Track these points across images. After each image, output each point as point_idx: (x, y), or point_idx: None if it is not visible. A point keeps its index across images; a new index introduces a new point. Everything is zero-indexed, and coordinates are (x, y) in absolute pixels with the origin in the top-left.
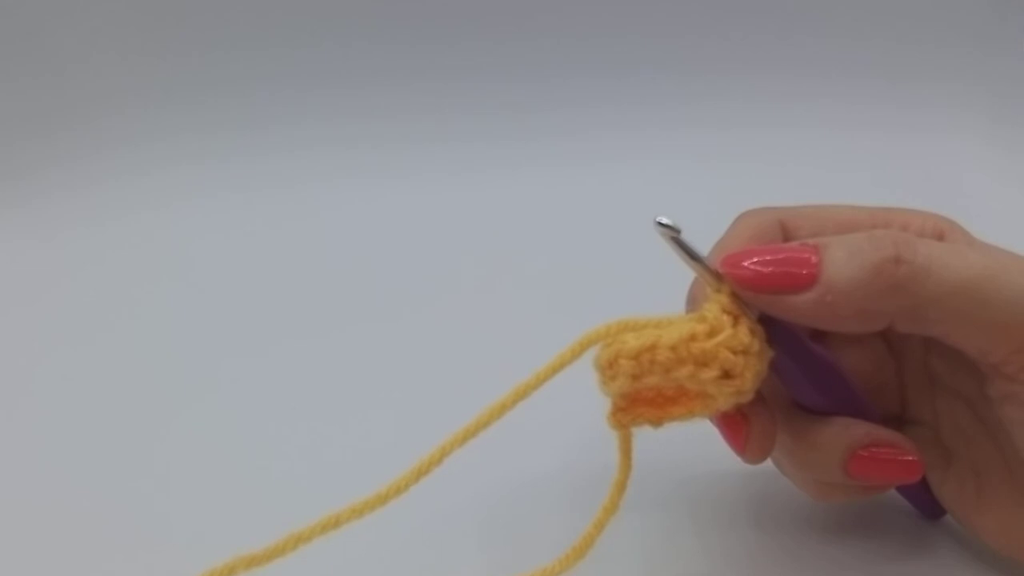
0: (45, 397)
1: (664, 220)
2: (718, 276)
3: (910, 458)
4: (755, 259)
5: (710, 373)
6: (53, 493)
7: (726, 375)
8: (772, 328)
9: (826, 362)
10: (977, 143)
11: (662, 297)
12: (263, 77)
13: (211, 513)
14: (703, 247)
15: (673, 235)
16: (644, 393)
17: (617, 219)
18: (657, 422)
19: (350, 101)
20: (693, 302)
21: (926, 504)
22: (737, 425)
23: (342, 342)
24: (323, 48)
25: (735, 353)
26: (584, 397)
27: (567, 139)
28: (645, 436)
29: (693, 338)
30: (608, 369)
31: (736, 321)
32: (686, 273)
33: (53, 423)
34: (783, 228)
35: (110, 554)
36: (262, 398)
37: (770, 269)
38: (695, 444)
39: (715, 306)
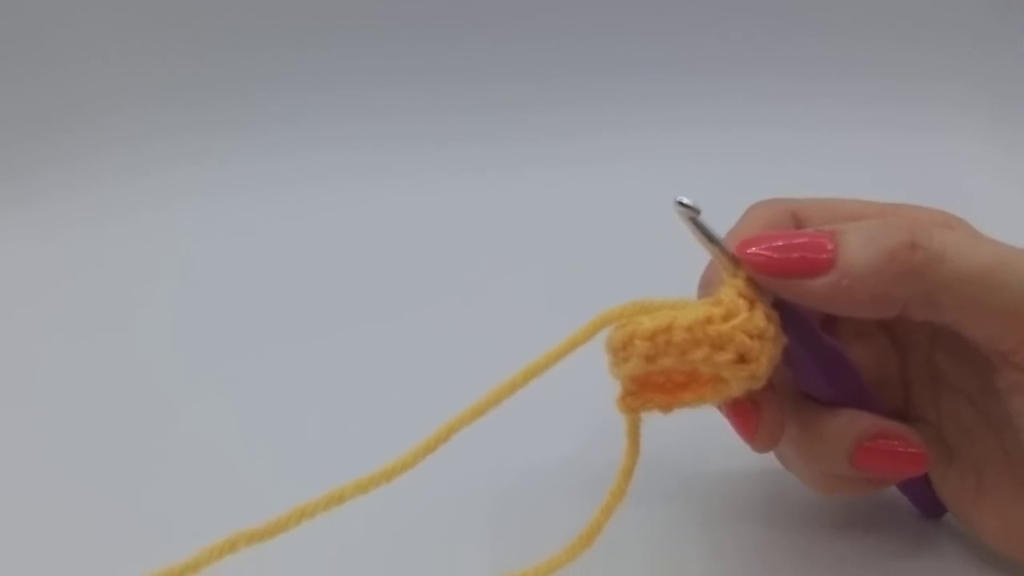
0: (45, 397)
1: (685, 200)
2: (735, 260)
3: (916, 450)
4: (772, 243)
5: (725, 356)
6: (53, 493)
7: (741, 359)
8: (785, 315)
9: (836, 352)
10: (977, 143)
11: (664, 296)
12: (263, 77)
13: (211, 513)
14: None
15: (692, 215)
16: (654, 378)
17: (617, 219)
18: (667, 407)
19: (350, 101)
20: (707, 286)
21: (927, 502)
22: (747, 413)
23: (342, 342)
24: (323, 48)
25: (751, 337)
26: (593, 385)
27: (567, 139)
28: (654, 432)
29: (709, 320)
30: (621, 350)
31: (752, 305)
32: (688, 272)
33: (53, 423)
34: (794, 219)
35: (110, 553)
36: (262, 398)
37: (787, 254)
38: (703, 440)
39: (731, 290)
